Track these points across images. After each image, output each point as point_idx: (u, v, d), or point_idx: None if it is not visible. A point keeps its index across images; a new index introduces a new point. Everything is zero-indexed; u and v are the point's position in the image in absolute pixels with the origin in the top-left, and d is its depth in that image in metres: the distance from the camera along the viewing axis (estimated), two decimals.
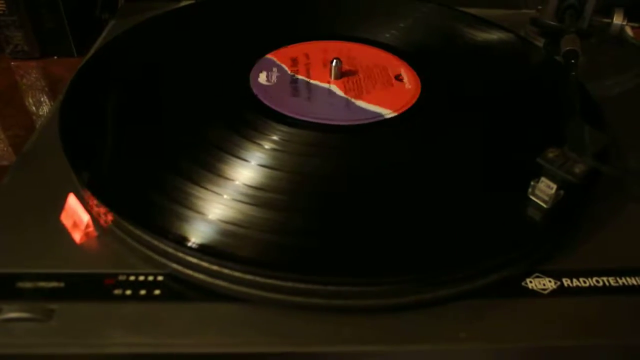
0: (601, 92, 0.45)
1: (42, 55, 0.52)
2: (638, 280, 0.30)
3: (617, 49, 0.50)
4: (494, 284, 0.29)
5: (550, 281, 0.30)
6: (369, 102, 0.38)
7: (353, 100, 0.38)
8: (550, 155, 0.30)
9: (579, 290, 0.30)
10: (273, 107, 0.37)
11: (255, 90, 0.39)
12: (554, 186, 0.30)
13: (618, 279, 0.30)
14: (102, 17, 0.55)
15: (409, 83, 0.40)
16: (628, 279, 0.30)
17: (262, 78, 0.40)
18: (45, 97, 0.50)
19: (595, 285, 0.30)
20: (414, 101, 0.38)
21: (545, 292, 0.29)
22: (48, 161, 0.35)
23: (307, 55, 0.44)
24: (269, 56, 0.43)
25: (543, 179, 0.30)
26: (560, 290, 0.29)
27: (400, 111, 0.37)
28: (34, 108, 0.50)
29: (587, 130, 0.32)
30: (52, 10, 0.49)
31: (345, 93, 0.39)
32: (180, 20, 0.49)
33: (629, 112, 0.43)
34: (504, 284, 0.29)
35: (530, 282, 0.30)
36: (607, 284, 0.30)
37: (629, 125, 0.41)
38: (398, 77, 0.40)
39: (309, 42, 0.45)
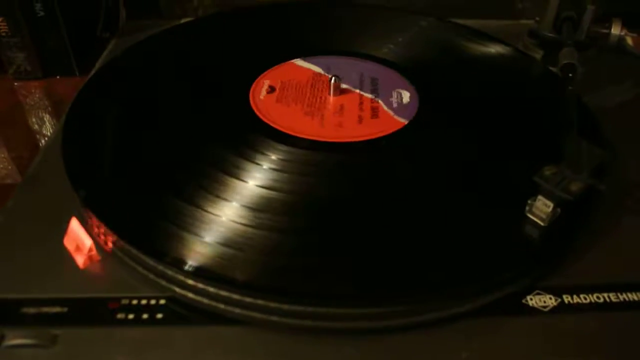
0: (600, 103, 0.45)
1: (45, 75, 0.52)
2: (639, 296, 0.30)
3: (617, 59, 0.50)
4: (494, 302, 0.29)
5: (550, 298, 0.30)
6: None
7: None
8: (547, 173, 0.30)
9: (579, 307, 0.30)
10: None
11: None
12: (551, 204, 0.30)
13: (619, 294, 0.30)
14: (104, 36, 0.56)
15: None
16: (629, 294, 0.30)
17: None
18: (48, 116, 0.51)
19: (596, 302, 0.30)
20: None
21: (546, 309, 0.29)
22: (52, 183, 0.35)
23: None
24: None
25: (540, 197, 0.30)
26: (561, 307, 0.29)
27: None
28: (37, 127, 0.51)
29: (585, 146, 0.32)
30: (53, 31, 0.49)
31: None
32: (179, 38, 0.50)
33: (628, 123, 0.43)
34: (504, 302, 0.29)
35: (531, 299, 0.30)
36: (608, 300, 0.30)
37: (628, 136, 0.41)
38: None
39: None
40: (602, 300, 0.30)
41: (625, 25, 0.51)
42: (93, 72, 0.47)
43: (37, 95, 0.52)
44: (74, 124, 0.38)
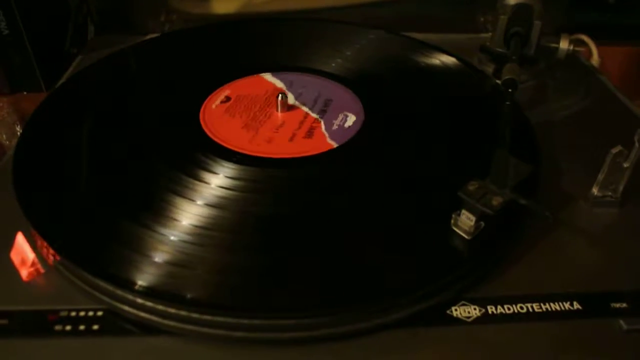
0: (546, 117, 0.46)
1: (12, 90, 0.53)
2: (561, 306, 0.31)
3: (567, 72, 0.52)
4: (419, 313, 0.30)
5: (475, 309, 0.31)
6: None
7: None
8: (471, 188, 0.31)
9: (503, 317, 0.31)
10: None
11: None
12: (473, 218, 0.31)
13: (542, 304, 0.31)
14: (72, 51, 0.57)
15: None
16: (552, 304, 0.31)
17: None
18: (18, 130, 0.52)
19: (519, 312, 0.31)
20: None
21: (469, 319, 0.31)
22: (5, 198, 0.37)
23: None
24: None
25: (463, 211, 0.31)
26: (484, 318, 0.31)
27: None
28: (8, 143, 0.52)
29: (512, 161, 0.33)
30: (19, 48, 0.51)
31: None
32: (143, 54, 0.51)
33: (571, 137, 0.44)
34: (428, 312, 0.30)
35: (456, 310, 0.31)
36: (530, 310, 0.31)
37: (569, 150, 0.42)
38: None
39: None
40: (525, 310, 0.31)
41: (592, 37, 0.53)
42: (52, 89, 0.48)
43: (5, 111, 0.53)
44: (27, 142, 0.39)
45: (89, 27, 0.60)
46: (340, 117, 0.41)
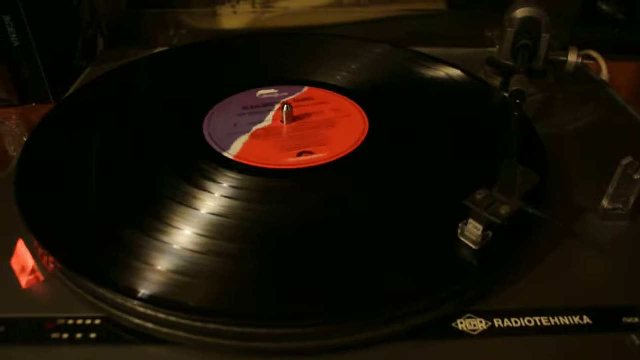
0: (555, 129, 0.45)
1: (21, 102, 0.54)
2: (571, 320, 0.30)
3: (576, 86, 0.51)
4: (423, 325, 0.29)
5: (481, 322, 0.30)
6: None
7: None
8: (478, 197, 0.31)
9: (509, 330, 0.30)
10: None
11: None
12: (481, 227, 0.30)
13: (551, 318, 0.30)
14: (81, 64, 0.58)
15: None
16: (561, 318, 0.30)
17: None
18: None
19: (527, 325, 0.30)
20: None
21: (475, 332, 0.30)
22: (8, 207, 0.37)
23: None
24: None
25: (470, 220, 0.31)
26: (491, 331, 0.30)
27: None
28: (15, 154, 0.52)
29: (520, 171, 0.33)
30: (29, 61, 0.51)
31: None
32: (148, 67, 0.51)
33: (579, 149, 0.43)
34: (433, 325, 0.30)
35: (461, 322, 0.30)
36: (539, 323, 0.30)
37: (578, 162, 0.41)
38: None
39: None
40: (533, 324, 0.30)
41: (601, 53, 0.53)
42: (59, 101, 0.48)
43: (13, 122, 0.54)
44: (31, 153, 0.39)
45: (99, 40, 0.61)
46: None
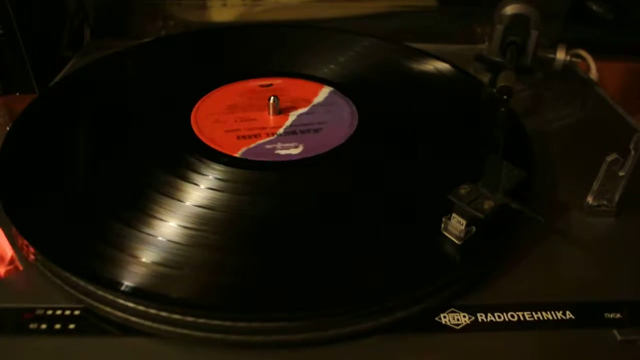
0: (542, 127, 0.45)
1: (5, 91, 0.53)
2: (554, 315, 0.30)
3: (563, 84, 0.51)
4: (407, 318, 0.29)
5: (464, 316, 0.30)
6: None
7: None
8: (462, 191, 0.31)
9: (492, 325, 0.30)
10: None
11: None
12: (464, 222, 0.30)
13: (534, 313, 0.30)
14: (67, 54, 0.57)
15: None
16: (544, 313, 0.30)
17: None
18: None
19: (510, 320, 0.30)
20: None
21: (458, 327, 0.30)
22: None
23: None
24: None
25: (454, 215, 0.30)
26: (474, 326, 0.30)
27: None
28: None
29: (505, 166, 0.33)
30: (13, 50, 0.50)
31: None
32: (133, 58, 0.51)
33: (566, 146, 0.44)
34: (416, 319, 0.30)
35: (445, 317, 0.30)
36: (522, 318, 0.30)
37: (564, 160, 0.42)
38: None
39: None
40: (516, 319, 0.30)
41: (590, 52, 0.53)
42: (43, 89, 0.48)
43: None
44: (13, 140, 0.39)
45: (85, 31, 0.60)
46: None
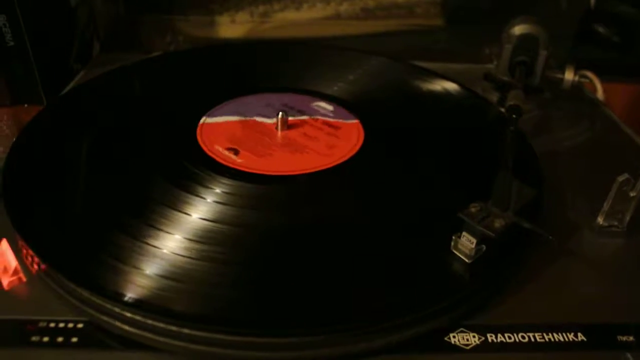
0: (551, 146, 0.45)
1: (13, 102, 0.53)
2: (565, 336, 0.30)
3: (572, 103, 0.51)
4: (416, 338, 0.29)
5: (474, 336, 0.30)
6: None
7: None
8: (472, 210, 0.30)
9: (502, 346, 0.29)
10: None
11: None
12: (474, 240, 0.30)
13: (545, 334, 0.30)
14: (76, 67, 0.57)
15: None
16: (555, 334, 0.30)
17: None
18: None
19: (520, 341, 0.29)
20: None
21: (468, 347, 0.29)
22: None
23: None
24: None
25: (464, 233, 0.30)
26: (484, 346, 0.29)
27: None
28: (4, 155, 0.51)
29: (515, 185, 0.32)
30: (22, 61, 0.51)
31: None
32: (141, 71, 0.51)
33: (575, 167, 0.43)
34: (425, 338, 0.29)
35: (454, 337, 0.29)
36: (532, 339, 0.30)
37: (573, 180, 0.41)
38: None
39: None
40: (526, 340, 0.30)
41: (597, 74, 0.53)
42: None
43: (4, 123, 0.53)
44: (19, 152, 0.39)
45: (95, 44, 0.60)
46: None
